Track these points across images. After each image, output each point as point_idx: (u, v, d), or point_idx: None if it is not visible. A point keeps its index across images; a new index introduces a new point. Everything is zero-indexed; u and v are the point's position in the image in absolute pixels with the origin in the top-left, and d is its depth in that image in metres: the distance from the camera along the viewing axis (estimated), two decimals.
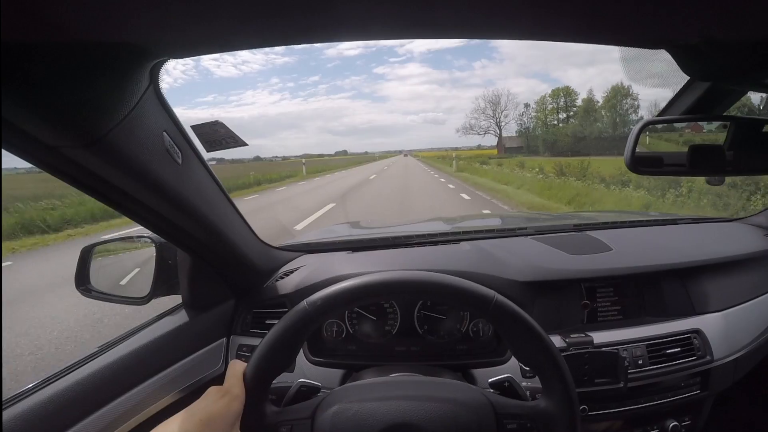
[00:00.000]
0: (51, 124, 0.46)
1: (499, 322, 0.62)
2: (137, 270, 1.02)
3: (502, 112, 69.34)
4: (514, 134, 66.81)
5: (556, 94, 62.59)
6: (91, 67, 0.45)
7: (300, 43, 0.50)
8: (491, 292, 0.61)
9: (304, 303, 0.61)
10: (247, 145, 0.66)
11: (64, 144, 0.50)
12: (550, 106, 62.96)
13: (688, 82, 0.77)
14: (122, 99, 0.50)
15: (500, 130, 68.76)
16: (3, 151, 0.50)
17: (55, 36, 0.39)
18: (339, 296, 0.61)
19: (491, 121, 69.93)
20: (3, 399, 0.67)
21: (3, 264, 6.43)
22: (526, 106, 66.19)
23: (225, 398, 0.56)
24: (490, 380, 0.71)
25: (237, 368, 0.60)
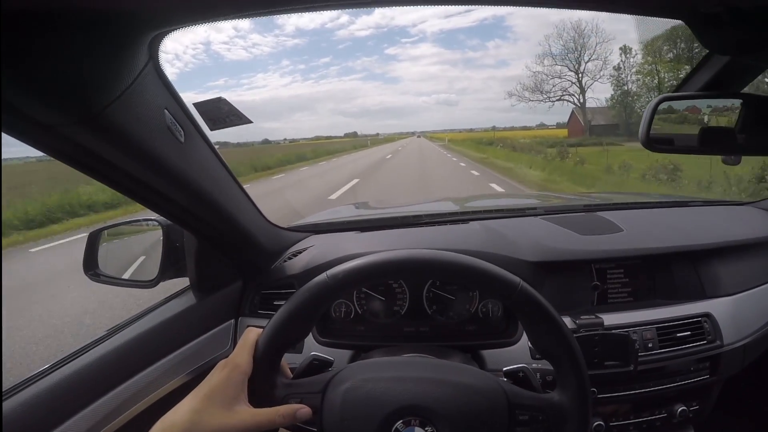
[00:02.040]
0: (46, 101, 0.46)
1: (522, 310, 0.61)
2: (143, 257, 1.02)
3: (586, 62, 35.11)
4: (603, 104, 35.21)
5: (672, 35, 18.70)
6: (86, 40, 0.43)
7: (303, 7, 0.48)
8: (516, 279, 0.61)
9: (324, 275, 0.61)
10: (251, 122, 0.66)
11: (59, 122, 0.49)
12: (669, 54, 23.08)
13: (706, 56, 0.75)
14: (119, 74, 0.49)
15: (582, 93, 35.52)
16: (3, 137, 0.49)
17: (47, 3, 0.38)
18: (362, 270, 0.61)
19: (570, 76, 36.01)
20: (12, 384, 0.68)
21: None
22: (626, 51, 32.15)
23: (226, 369, 0.57)
24: (504, 369, 0.71)
25: (250, 336, 0.60)
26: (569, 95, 36.18)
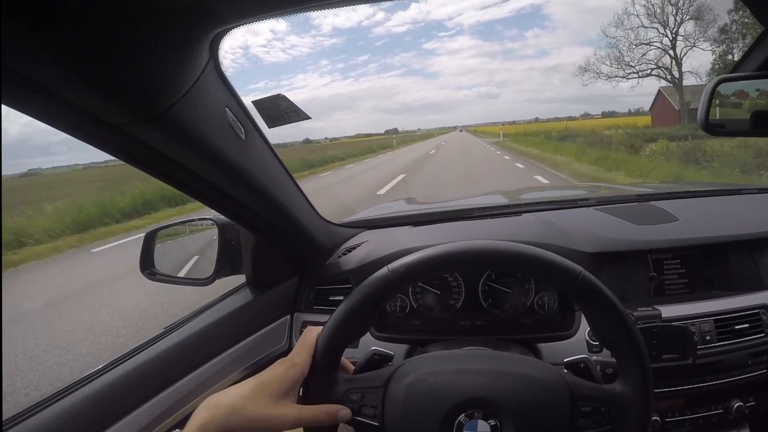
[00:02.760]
0: (112, 101, 0.47)
1: (583, 299, 0.60)
2: (198, 255, 1.06)
3: (679, 23, 24.55)
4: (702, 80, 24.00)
5: None
6: (150, 39, 0.44)
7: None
8: (578, 268, 0.59)
9: (385, 269, 0.60)
10: (310, 118, 0.67)
11: (126, 121, 0.50)
12: None
13: (764, 32, 0.72)
14: (183, 73, 0.50)
15: (678, 66, 25.88)
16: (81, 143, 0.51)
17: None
18: (422, 264, 0.60)
19: (658, 42, 26.42)
20: (74, 380, 0.71)
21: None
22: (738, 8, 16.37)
23: (284, 365, 0.57)
24: (565, 360, 0.70)
25: (310, 335, 0.61)
26: (661, 69, 26.51)
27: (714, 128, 0.72)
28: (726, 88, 0.79)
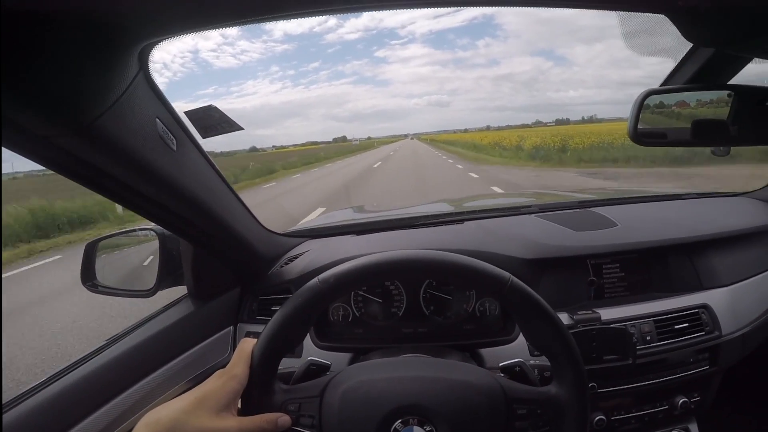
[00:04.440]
0: (39, 112, 0.46)
1: (513, 305, 0.61)
2: (140, 266, 1.02)
3: None
4: None
5: None
6: (76, 51, 0.44)
7: (292, 13, 0.49)
8: (506, 274, 0.60)
9: (316, 280, 0.60)
10: (242, 129, 0.66)
11: (53, 133, 0.49)
12: None
13: (691, 49, 0.76)
14: (110, 84, 0.50)
15: None
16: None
17: (37, 14, 0.38)
18: (352, 273, 0.60)
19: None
20: (9, 397, 0.68)
21: None
22: None
23: (223, 377, 0.57)
24: (501, 364, 0.71)
25: (245, 347, 0.60)
26: None
27: (644, 139, 0.75)
28: (668, 99, 0.82)
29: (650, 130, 0.77)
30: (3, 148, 0.50)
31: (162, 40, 0.51)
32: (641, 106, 0.73)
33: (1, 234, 7.21)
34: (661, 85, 0.80)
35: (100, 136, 0.52)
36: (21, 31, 0.38)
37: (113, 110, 0.51)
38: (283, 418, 0.58)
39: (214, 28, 0.50)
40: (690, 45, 0.75)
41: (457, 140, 45.72)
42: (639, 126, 0.73)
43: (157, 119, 0.61)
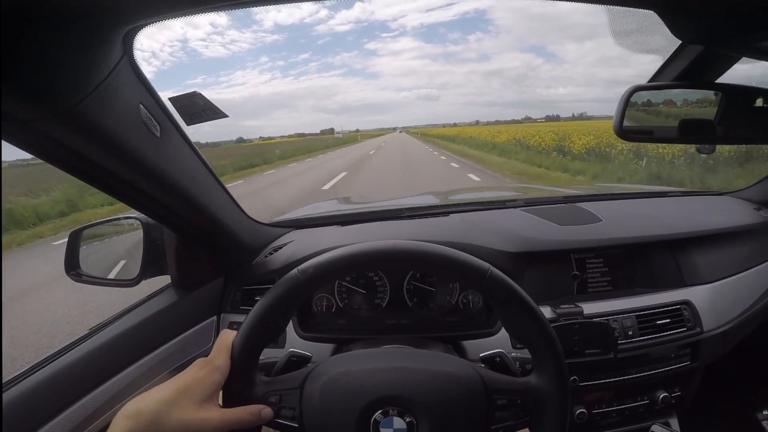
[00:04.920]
0: (20, 95, 0.45)
1: (493, 296, 0.61)
2: (124, 256, 1.01)
3: None
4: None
5: None
6: (58, 34, 0.43)
7: None
8: (486, 265, 0.60)
9: (295, 271, 0.60)
10: (227, 116, 0.65)
11: (34, 116, 0.49)
12: None
13: (680, 46, 0.76)
14: (93, 69, 0.49)
15: None
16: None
17: None
18: (331, 264, 0.60)
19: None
20: None
21: None
22: None
23: (206, 368, 0.56)
24: (481, 354, 0.71)
25: (226, 338, 0.60)
26: None
27: (630, 134, 0.76)
28: (656, 97, 0.83)
29: (636, 127, 0.78)
30: None
31: (147, 24, 0.50)
32: (627, 102, 0.73)
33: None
34: (649, 82, 0.80)
35: (82, 121, 0.51)
36: (1, 13, 0.37)
37: (95, 95, 0.50)
38: (266, 410, 0.58)
39: (200, 12, 0.49)
40: (679, 42, 0.75)
41: (456, 135, 35.89)
42: (625, 122, 0.74)
43: (140, 105, 0.60)
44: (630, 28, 0.70)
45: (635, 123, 0.77)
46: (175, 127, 0.69)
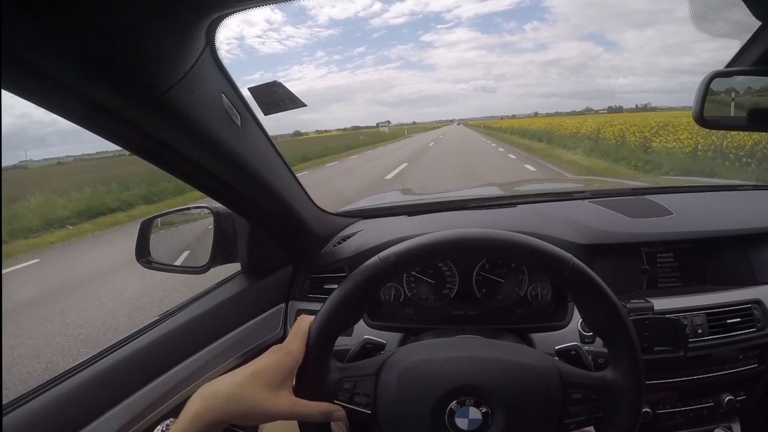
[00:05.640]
0: (108, 84, 0.47)
1: (574, 286, 0.60)
2: (194, 243, 1.06)
3: None
4: None
5: None
6: (146, 23, 0.44)
7: None
8: (568, 255, 0.60)
9: (376, 258, 0.60)
10: (305, 105, 0.67)
11: (122, 105, 0.50)
12: None
13: (759, 29, 0.73)
14: (180, 58, 0.50)
15: None
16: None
17: None
18: (413, 251, 0.60)
19: None
20: (69, 366, 0.71)
21: None
22: None
23: (279, 353, 0.57)
24: (556, 347, 0.70)
25: (303, 323, 0.61)
26: None
27: (709, 122, 0.73)
28: (721, 83, 0.79)
29: (717, 116, 0.74)
30: (68, 122, 0.53)
31: (230, 14, 0.52)
32: (707, 88, 0.70)
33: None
34: (726, 67, 0.77)
35: (168, 109, 0.53)
36: (92, 3, 0.38)
37: (182, 83, 0.52)
38: (339, 413, 0.58)
39: (279, 2, 0.50)
40: (758, 24, 0.72)
41: (527, 128, 27.87)
42: (705, 109, 0.71)
43: (222, 95, 0.62)
44: (709, 10, 0.68)
45: (715, 111, 0.73)
46: (252, 117, 0.71)
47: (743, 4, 0.65)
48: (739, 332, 0.92)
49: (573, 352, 0.68)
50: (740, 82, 0.80)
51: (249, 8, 0.52)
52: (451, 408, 0.56)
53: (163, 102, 0.51)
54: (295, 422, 0.62)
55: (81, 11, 0.38)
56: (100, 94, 0.49)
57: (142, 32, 0.44)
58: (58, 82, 0.45)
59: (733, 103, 0.80)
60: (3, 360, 3.05)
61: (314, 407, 0.57)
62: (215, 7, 0.50)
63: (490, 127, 47.50)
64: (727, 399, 0.94)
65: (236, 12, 0.52)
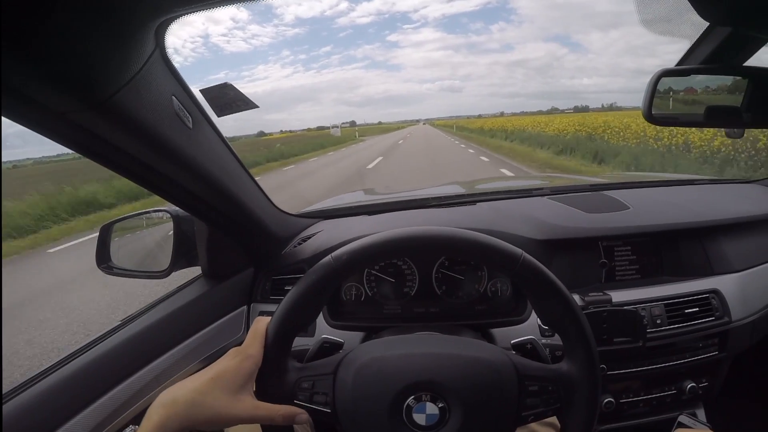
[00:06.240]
0: (57, 88, 0.46)
1: (526, 281, 0.61)
2: (154, 248, 1.04)
3: None
4: None
5: None
6: (93, 26, 0.44)
7: None
8: (518, 251, 0.60)
9: (329, 258, 0.61)
10: (257, 107, 0.66)
11: (70, 109, 0.50)
12: None
13: (707, 29, 0.75)
14: (127, 61, 0.50)
15: None
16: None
17: None
18: (365, 250, 0.60)
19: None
20: (19, 382, 0.69)
21: None
22: None
23: (238, 357, 0.57)
24: (512, 341, 0.71)
25: (260, 325, 0.60)
26: None
27: (659, 119, 0.75)
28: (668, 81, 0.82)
29: (665, 113, 0.77)
30: (19, 125, 0.51)
31: (178, 16, 0.51)
32: (655, 86, 0.73)
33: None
34: (676, 65, 0.80)
35: (117, 112, 0.52)
36: (37, 5, 0.38)
37: (130, 86, 0.51)
38: (302, 416, 0.58)
39: (228, 3, 0.50)
40: (706, 25, 0.74)
41: (501, 128, 27.08)
42: (654, 106, 0.73)
43: (173, 97, 0.61)
44: (658, 13, 0.70)
45: (663, 108, 0.76)
46: (205, 118, 0.70)
47: (690, 5, 0.66)
48: (697, 321, 0.95)
49: (529, 346, 0.69)
50: (701, 80, 0.83)
51: (195, 11, 0.51)
52: (408, 404, 0.57)
53: (111, 105, 0.51)
54: (259, 425, 0.62)
55: (23, 14, 0.38)
56: (49, 98, 0.48)
57: (87, 35, 0.44)
58: (6, 86, 0.44)
59: (680, 101, 0.82)
60: None
61: (276, 410, 0.57)
62: (161, 11, 0.49)
63: (465, 128, 43.08)
64: (689, 386, 0.97)
65: (183, 15, 0.51)
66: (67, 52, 0.44)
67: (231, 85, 0.63)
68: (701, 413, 1.02)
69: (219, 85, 0.64)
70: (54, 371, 0.71)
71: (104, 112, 0.51)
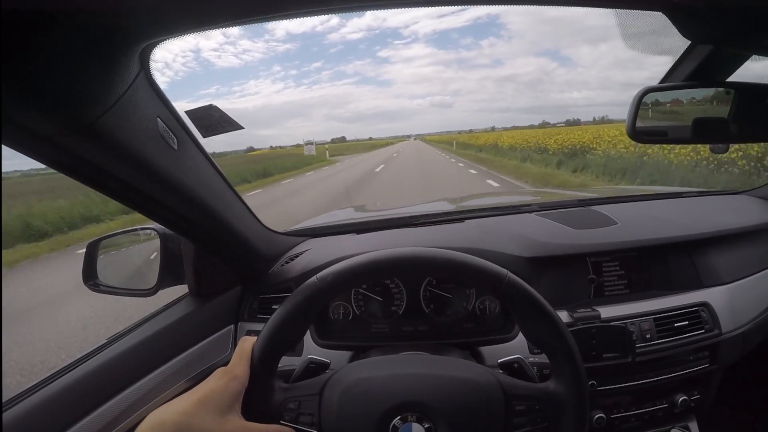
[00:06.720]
0: (42, 111, 0.46)
1: (511, 301, 0.61)
2: (141, 266, 1.03)
3: None
4: None
5: None
6: (78, 51, 0.44)
7: (293, 12, 0.49)
8: (504, 271, 0.61)
9: (314, 278, 0.61)
10: (242, 128, 0.67)
11: (55, 131, 0.50)
12: None
13: (689, 46, 0.76)
14: (112, 84, 0.50)
15: None
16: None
17: (40, 5, 0.39)
18: (349, 271, 0.61)
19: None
20: (9, 396, 0.69)
21: None
22: None
23: (225, 378, 0.57)
24: (499, 360, 0.71)
25: (245, 345, 0.60)
26: None
27: (643, 136, 0.76)
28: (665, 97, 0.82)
29: (649, 128, 0.78)
30: (5, 148, 0.51)
31: (163, 41, 0.52)
32: (639, 103, 0.73)
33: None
34: (660, 83, 0.80)
35: (102, 135, 0.52)
36: (23, 31, 0.38)
37: (115, 109, 0.51)
38: None
39: (215, 27, 0.50)
40: (689, 42, 0.75)
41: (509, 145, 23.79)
42: (638, 123, 0.74)
43: (158, 119, 0.61)
44: (640, 30, 0.71)
45: (648, 124, 0.76)
46: (191, 139, 0.70)
47: (672, 24, 0.67)
48: (687, 335, 0.95)
49: (516, 365, 0.69)
50: (686, 94, 0.84)
51: (177, 36, 0.52)
52: (394, 424, 0.57)
53: (96, 128, 0.51)
54: None
55: (7, 39, 0.38)
56: (34, 122, 0.48)
57: (71, 60, 0.44)
58: None
59: (667, 113, 0.83)
60: None
61: (263, 430, 0.56)
62: (146, 35, 0.50)
63: (470, 145, 34.68)
64: (681, 399, 0.97)
65: (167, 39, 0.52)
66: (52, 76, 0.44)
67: (215, 106, 0.64)
68: (694, 426, 1.02)
69: (204, 106, 0.64)
70: (38, 389, 0.70)
71: (90, 135, 0.52)
